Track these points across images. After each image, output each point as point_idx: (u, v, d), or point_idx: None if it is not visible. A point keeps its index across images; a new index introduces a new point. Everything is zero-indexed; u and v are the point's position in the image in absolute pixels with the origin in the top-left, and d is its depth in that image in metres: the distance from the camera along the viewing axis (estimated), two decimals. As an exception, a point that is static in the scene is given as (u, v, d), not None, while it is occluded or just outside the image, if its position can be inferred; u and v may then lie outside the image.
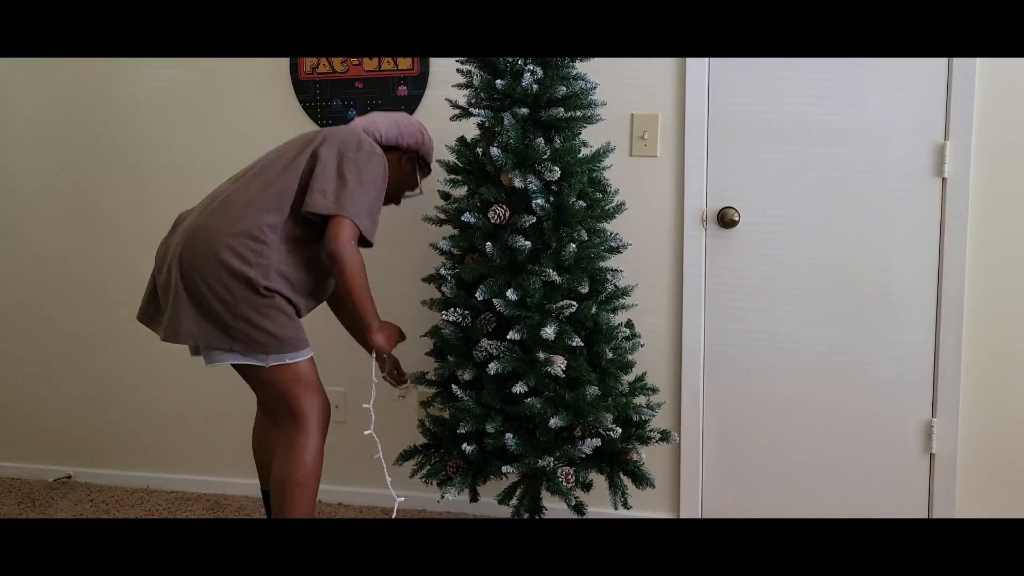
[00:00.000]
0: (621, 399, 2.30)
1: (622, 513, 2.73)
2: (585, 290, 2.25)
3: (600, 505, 2.68)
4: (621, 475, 2.33)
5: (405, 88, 2.88)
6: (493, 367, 2.23)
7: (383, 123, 2.37)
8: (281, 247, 2.18)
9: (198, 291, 2.15)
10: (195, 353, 2.27)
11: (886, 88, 2.58)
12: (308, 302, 2.27)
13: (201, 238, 2.17)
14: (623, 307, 2.36)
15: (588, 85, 2.32)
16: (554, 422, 2.20)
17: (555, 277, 2.22)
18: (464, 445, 2.27)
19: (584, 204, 2.28)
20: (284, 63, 2.95)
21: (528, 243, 2.23)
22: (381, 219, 2.94)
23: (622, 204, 2.35)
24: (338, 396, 3.07)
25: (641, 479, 2.34)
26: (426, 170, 2.49)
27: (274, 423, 2.36)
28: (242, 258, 2.14)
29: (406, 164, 2.41)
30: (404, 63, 2.87)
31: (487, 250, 2.25)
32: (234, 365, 2.22)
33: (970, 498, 2.68)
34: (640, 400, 2.37)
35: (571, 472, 2.25)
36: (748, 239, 2.71)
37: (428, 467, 2.39)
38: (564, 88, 2.27)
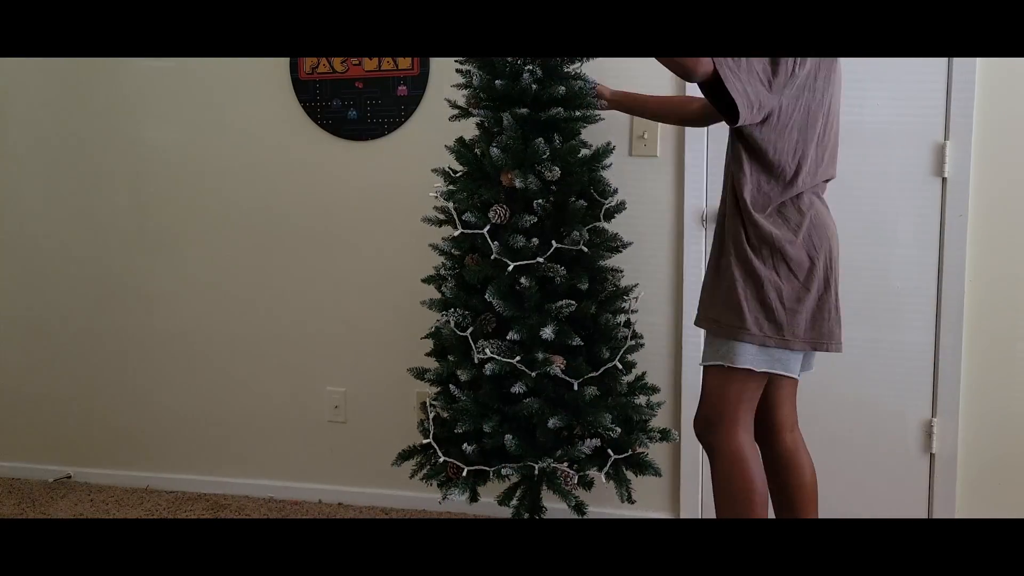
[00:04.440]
0: (620, 399, 2.30)
1: (622, 513, 2.72)
2: (585, 287, 2.25)
3: (600, 505, 2.67)
4: (624, 468, 2.33)
5: (405, 88, 2.88)
6: (490, 367, 2.23)
7: None
8: None
9: None
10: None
11: (886, 88, 2.57)
12: None
13: None
14: (623, 309, 2.36)
15: (588, 85, 2.32)
16: (553, 422, 2.20)
17: (558, 270, 2.22)
18: (464, 445, 2.27)
19: (584, 204, 2.28)
20: (284, 63, 2.95)
21: (535, 241, 2.23)
22: (380, 218, 2.94)
23: (622, 204, 2.35)
24: (338, 396, 3.07)
25: (646, 467, 2.33)
26: None
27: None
28: None
29: None
30: (404, 63, 2.87)
31: (494, 250, 2.24)
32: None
33: (970, 498, 2.68)
34: (640, 399, 2.37)
35: (571, 473, 2.25)
36: (748, 239, 2.70)
37: (428, 468, 2.39)
38: (564, 88, 2.27)
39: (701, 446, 2.21)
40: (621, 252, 2.37)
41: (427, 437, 2.37)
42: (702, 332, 2.76)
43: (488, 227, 2.26)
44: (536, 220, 2.25)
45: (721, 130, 2.67)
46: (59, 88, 3.14)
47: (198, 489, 3.25)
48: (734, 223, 2.05)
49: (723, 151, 2.68)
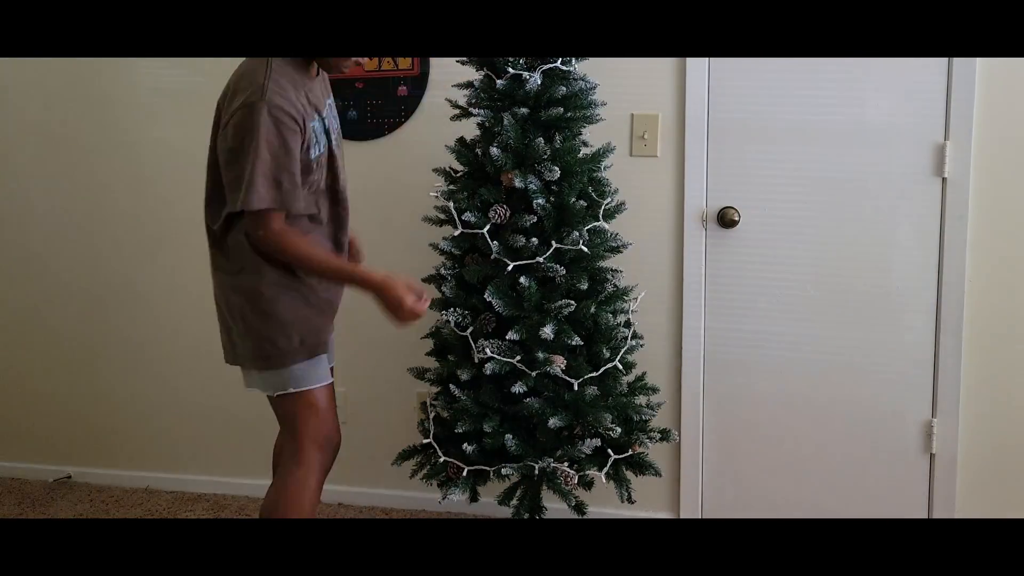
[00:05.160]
0: (620, 399, 2.30)
1: (622, 513, 2.73)
2: (584, 287, 2.25)
3: (600, 505, 2.67)
4: (624, 468, 2.33)
5: (405, 88, 2.88)
6: (490, 367, 2.23)
7: None
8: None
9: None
10: None
11: (886, 88, 2.57)
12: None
13: None
14: (623, 309, 2.36)
15: (588, 85, 2.32)
16: (553, 422, 2.20)
17: (558, 270, 2.22)
18: (464, 445, 2.27)
19: (584, 204, 2.28)
20: (284, 63, 2.95)
21: (535, 241, 2.23)
22: (380, 218, 2.93)
23: (622, 204, 2.35)
24: (338, 396, 3.06)
25: (646, 467, 2.33)
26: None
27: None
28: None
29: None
30: (404, 63, 2.87)
31: (494, 249, 2.24)
32: None
33: (970, 498, 2.68)
34: (640, 400, 2.37)
35: (571, 473, 2.25)
36: (748, 239, 2.71)
37: (428, 468, 2.39)
38: (564, 88, 2.27)
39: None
40: (621, 252, 2.37)
41: (427, 437, 2.37)
42: (701, 331, 2.77)
43: (488, 227, 2.27)
44: (536, 220, 2.25)
45: (722, 130, 2.68)
46: (59, 88, 3.14)
47: (198, 489, 3.25)
48: None
49: (723, 151, 2.69)
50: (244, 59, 2.07)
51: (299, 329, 2.07)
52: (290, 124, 1.89)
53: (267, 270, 2.04)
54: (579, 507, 2.38)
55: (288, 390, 2.09)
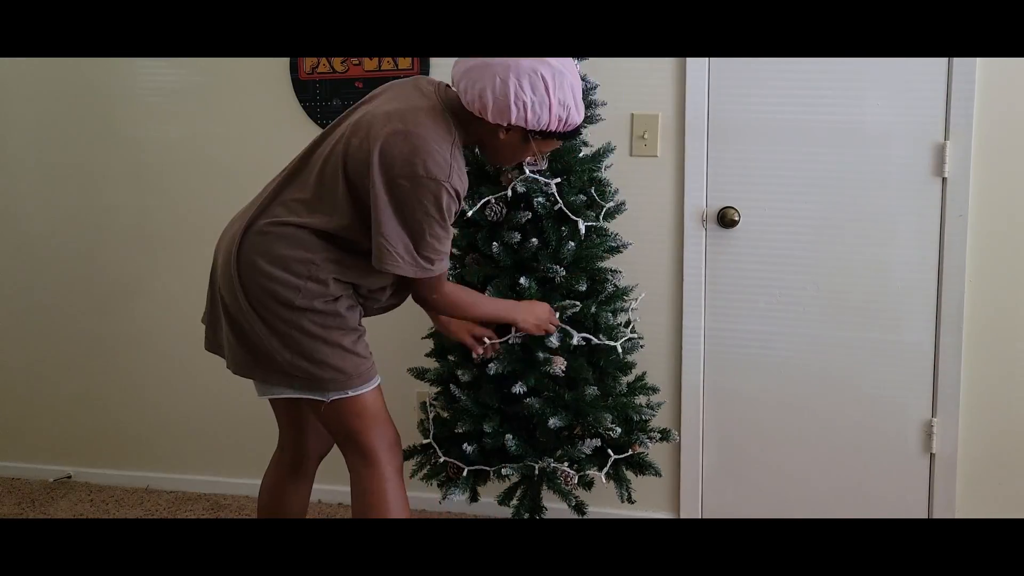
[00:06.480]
0: (620, 399, 2.30)
1: (622, 513, 2.73)
2: (583, 288, 2.25)
3: (600, 505, 2.67)
4: (624, 468, 2.33)
5: (405, 88, 2.88)
6: (492, 368, 2.23)
7: (477, 87, 1.88)
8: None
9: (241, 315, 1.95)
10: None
11: (886, 88, 2.57)
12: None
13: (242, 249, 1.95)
14: (623, 308, 2.36)
15: (588, 85, 2.32)
16: (553, 422, 2.20)
17: (558, 271, 2.22)
18: (464, 445, 2.27)
19: (584, 198, 2.28)
20: (284, 63, 2.95)
21: (534, 241, 2.22)
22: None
23: (622, 204, 2.35)
24: (338, 396, 3.06)
25: (646, 467, 2.34)
26: (554, 137, 1.97)
27: (293, 472, 2.22)
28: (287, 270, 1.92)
29: (511, 136, 1.94)
30: (404, 63, 2.87)
31: (493, 250, 2.24)
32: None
33: (970, 498, 2.68)
34: (640, 399, 2.37)
35: (571, 473, 2.25)
36: (748, 239, 2.71)
37: (428, 468, 2.39)
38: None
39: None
40: (621, 252, 2.37)
41: (427, 437, 2.37)
42: (701, 332, 2.77)
43: (487, 226, 2.27)
44: (534, 218, 2.25)
45: (722, 130, 2.68)
46: (59, 87, 3.14)
47: (198, 489, 3.25)
48: None
49: (723, 151, 2.69)
50: (399, 90, 2.04)
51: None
52: (458, 203, 1.93)
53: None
54: (579, 507, 2.38)
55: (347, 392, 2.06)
